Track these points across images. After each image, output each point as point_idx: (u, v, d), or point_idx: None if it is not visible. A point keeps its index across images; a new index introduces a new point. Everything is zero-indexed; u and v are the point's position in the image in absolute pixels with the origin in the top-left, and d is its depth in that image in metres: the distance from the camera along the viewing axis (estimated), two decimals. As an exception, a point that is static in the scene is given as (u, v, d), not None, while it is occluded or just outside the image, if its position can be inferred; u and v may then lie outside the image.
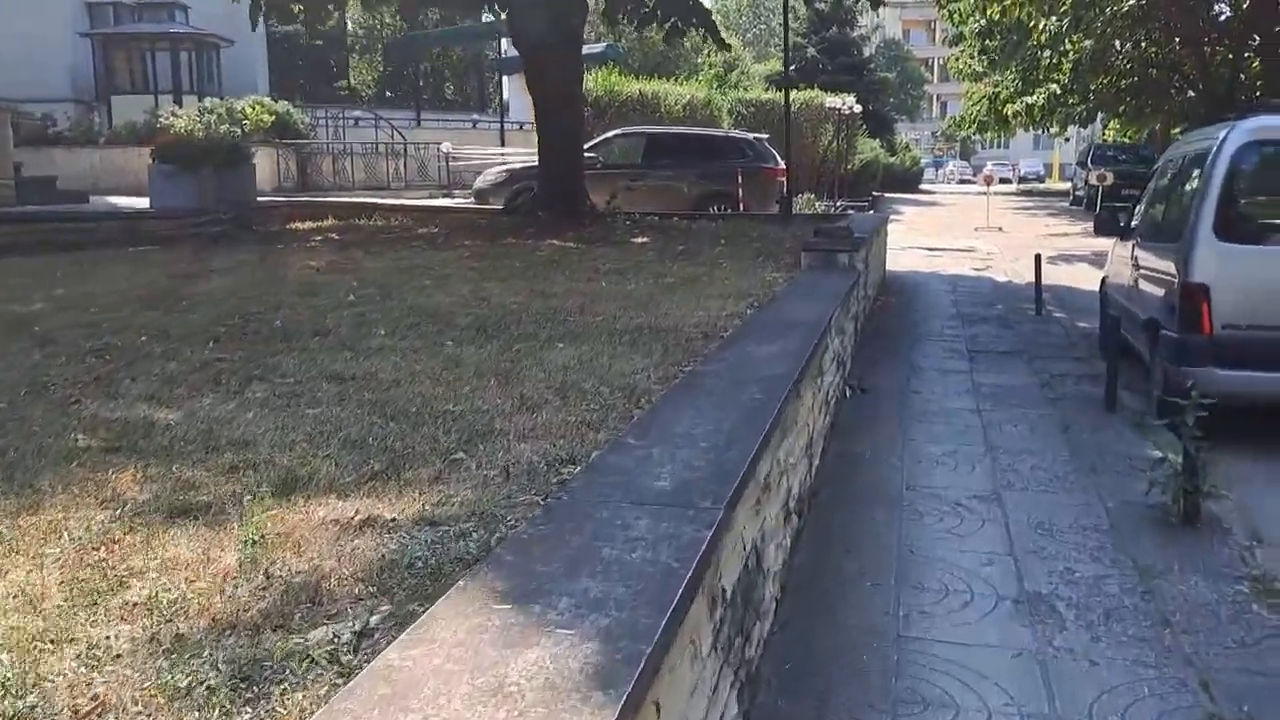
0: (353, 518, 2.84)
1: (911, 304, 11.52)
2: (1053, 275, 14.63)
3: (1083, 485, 5.30)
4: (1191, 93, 39.02)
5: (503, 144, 27.55)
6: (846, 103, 25.85)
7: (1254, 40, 33.78)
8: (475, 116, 29.49)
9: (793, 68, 40.15)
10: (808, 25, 40.24)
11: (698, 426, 3.12)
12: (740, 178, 16.67)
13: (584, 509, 2.36)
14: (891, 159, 41.54)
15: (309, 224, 12.97)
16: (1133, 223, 8.80)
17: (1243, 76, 38.22)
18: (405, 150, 23.96)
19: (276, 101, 23.34)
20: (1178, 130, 48.75)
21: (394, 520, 2.79)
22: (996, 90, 37.05)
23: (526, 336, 5.44)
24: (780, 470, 3.68)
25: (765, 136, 19.61)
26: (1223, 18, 35.34)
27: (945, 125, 73.00)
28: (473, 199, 17.98)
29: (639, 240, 11.05)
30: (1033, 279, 14.05)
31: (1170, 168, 7.80)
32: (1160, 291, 6.97)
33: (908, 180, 42.86)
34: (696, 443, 2.94)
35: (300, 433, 3.73)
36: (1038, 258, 11.18)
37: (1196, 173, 6.90)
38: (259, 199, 16.06)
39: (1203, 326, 6.31)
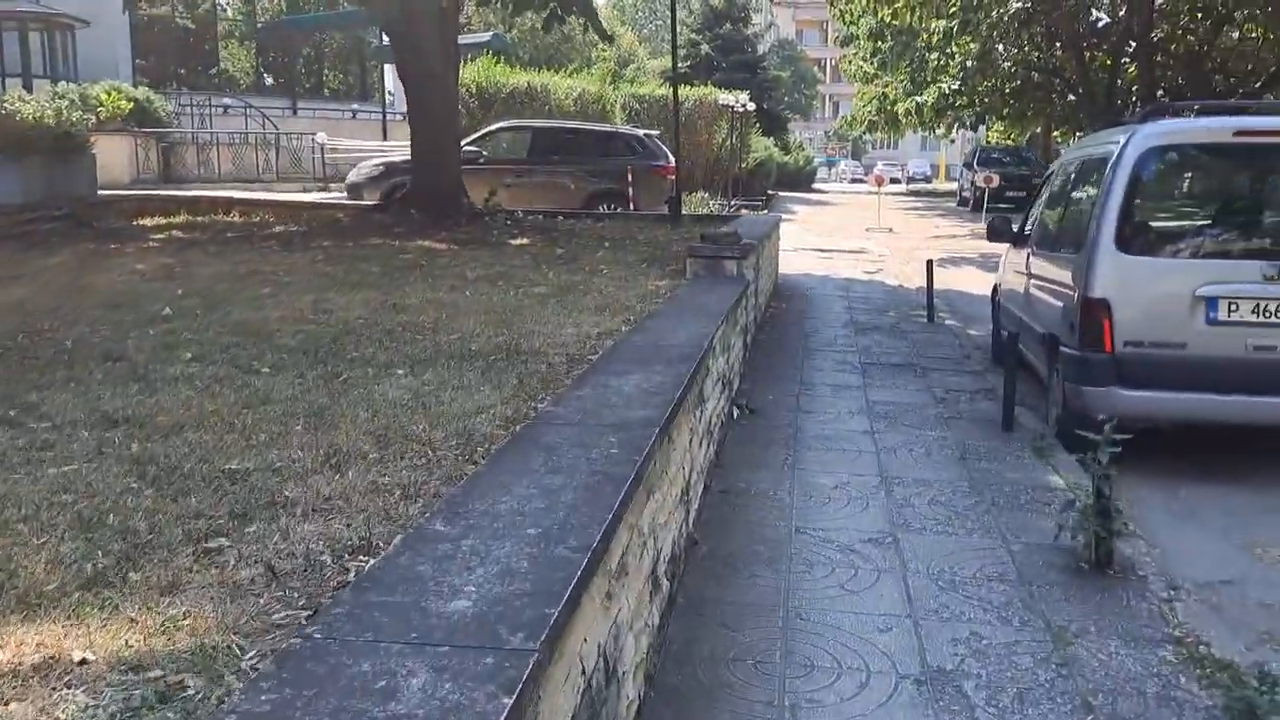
0: (21, 662, 2.03)
1: (805, 311, 11.07)
2: (943, 279, 14.43)
3: (985, 524, 4.82)
4: (1072, 96, 40.06)
5: (385, 136, 26.42)
6: (740, 100, 25.51)
7: (1130, 46, 34.76)
8: (355, 106, 28.21)
9: (687, 64, 39.81)
10: (701, 21, 39.94)
11: (531, 501, 2.46)
12: (631, 176, 16.07)
13: (335, 658, 1.68)
14: (785, 158, 41.56)
15: (157, 220, 11.87)
16: (1026, 229, 8.48)
17: (1120, 81, 39.43)
18: (277, 141, 22.68)
19: (137, 88, 21.81)
20: (1058, 133, 50.21)
21: (83, 663, 2.02)
22: (886, 91, 37.39)
23: (361, 362, 4.70)
24: (643, 540, 3.05)
25: (657, 133, 19.07)
26: (1101, 24, 36.32)
27: (837, 125, 73.96)
28: (346, 194, 16.99)
29: (517, 242, 10.34)
30: (923, 284, 13.83)
31: (1066, 172, 7.46)
32: (1058, 304, 6.60)
33: (801, 179, 42.97)
34: (524, 528, 2.28)
35: (25, 505, 2.93)
36: (929, 264, 10.86)
37: (1096, 179, 6.54)
38: (105, 192, 14.78)
39: (1104, 344, 5.93)
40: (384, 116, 26.41)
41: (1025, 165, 32.45)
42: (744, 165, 28.49)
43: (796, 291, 12.60)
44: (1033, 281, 7.45)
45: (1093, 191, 6.51)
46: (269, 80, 30.08)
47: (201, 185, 20.63)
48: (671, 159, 17.15)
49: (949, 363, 8.67)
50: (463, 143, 16.96)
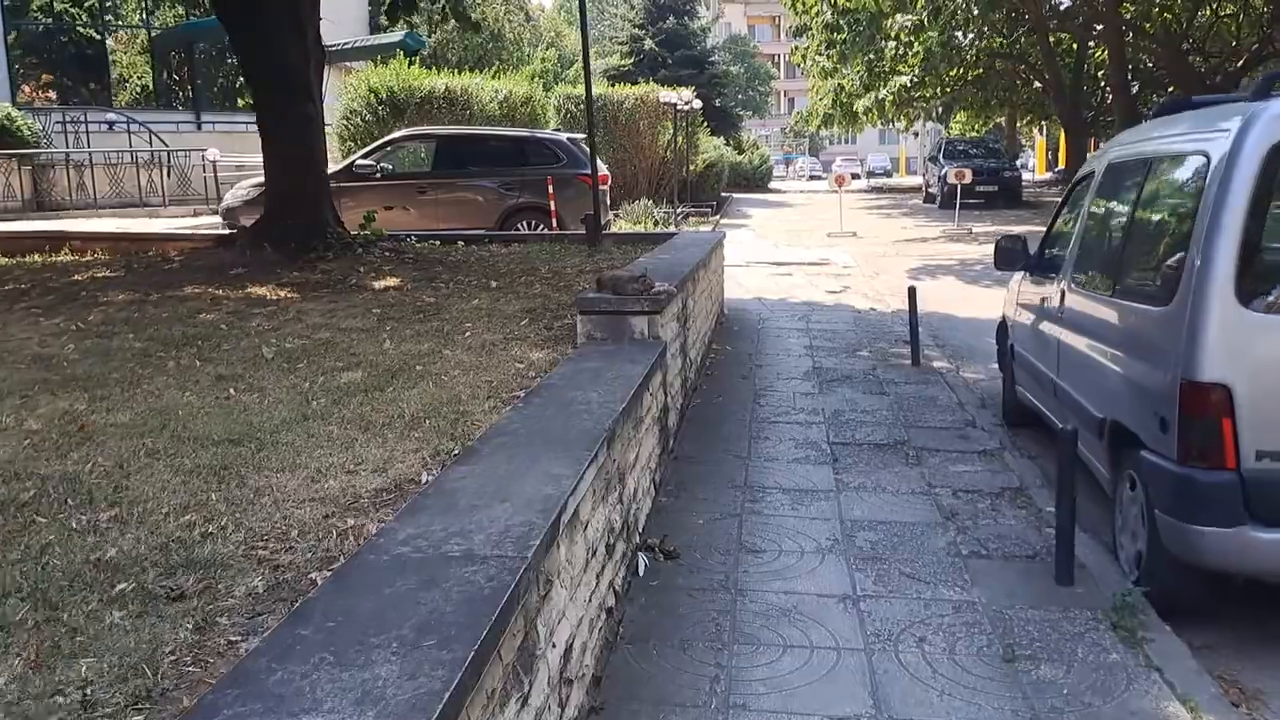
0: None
1: (755, 355, 8.77)
2: (920, 296, 12.22)
3: None
4: (1038, 83, 38.20)
5: (295, 150, 23.84)
6: (683, 97, 23.23)
7: (1098, 28, 32.88)
8: (260, 118, 25.62)
9: (631, 61, 37.60)
10: (644, 15, 37.65)
11: None
12: (552, 187, 13.72)
13: None
14: (739, 158, 39.39)
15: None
16: (1050, 251, 6.23)
17: (1086, 66, 37.60)
18: (167, 160, 20.10)
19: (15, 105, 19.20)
20: (1023, 123, 48.41)
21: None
22: (842, 84, 35.32)
23: None
24: None
25: (583, 136, 16.73)
26: (1064, 5, 34.43)
27: (793, 121, 72.03)
28: (222, 220, 14.53)
29: (382, 284, 7.97)
30: (898, 305, 11.57)
31: (1116, 178, 5.18)
32: (1127, 378, 4.34)
33: (756, 179, 40.83)
34: None
35: None
36: (911, 292, 8.58)
37: (1182, 190, 4.27)
38: None
39: (1223, 455, 3.67)
40: (293, 128, 23.83)
41: (994, 157, 30.44)
42: (692, 168, 26.23)
43: (747, 324, 10.30)
44: (1072, 333, 5.19)
45: (1179, 209, 4.24)
46: (178, 93, 27.39)
47: (74, 214, 18.07)
48: (600, 165, 14.82)
49: (949, 435, 6.39)
50: (356, 157, 14.58)
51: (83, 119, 20.34)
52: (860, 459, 5.90)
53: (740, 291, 12.50)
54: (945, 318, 10.98)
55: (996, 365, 7.85)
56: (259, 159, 20.02)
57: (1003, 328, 7.31)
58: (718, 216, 25.17)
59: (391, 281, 8.14)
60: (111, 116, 21.24)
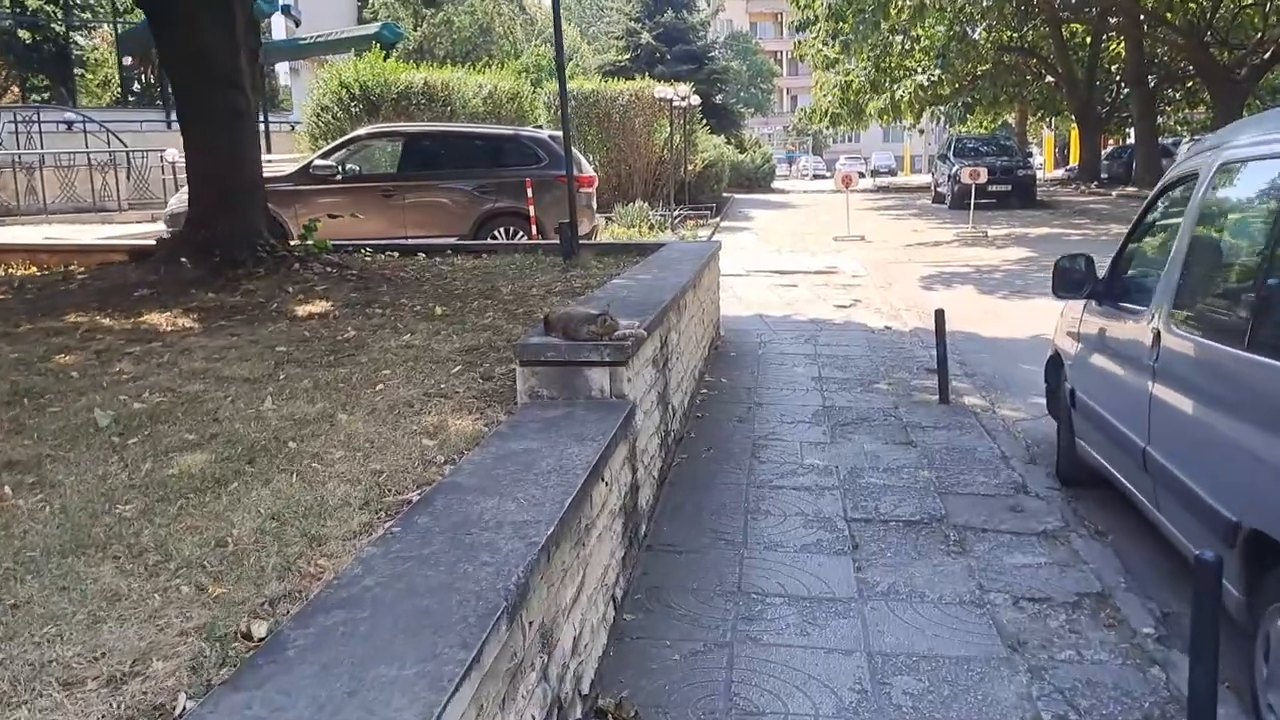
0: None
1: (754, 391, 7.43)
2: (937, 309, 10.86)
3: None
4: (1050, 78, 36.84)
5: (268, 148, 22.60)
6: (680, 93, 21.90)
7: (1114, 19, 31.52)
8: (232, 117, 24.29)
9: (628, 56, 36.26)
10: (641, 9, 36.28)
11: None
12: (531, 191, 12.40)
13: None
14: (741, 156, 38.07)
15: None
16: (1126, 275, 4.91)
17: (1101, 60, 36.22)
18: (127, 161, 18.79)
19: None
20: (1035, 118, 47.02)
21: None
22: (849, 79, 33.99)
23: None
24: None
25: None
26: (1078, -2, 33.07)
27: (796, 119, 70.57)
28: (166, 226, 13.21)
29: (306, 310, 6.66)
30: (916, 323, 10.24)
31: (1241, 186, 3.84)
32: (1278, 469, 3.01)
33: (759, 179, 39.49)
34: None
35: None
36: (939, 319, 7.23)
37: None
38: None
39: None
40: (266, 126, 22.53)
41: (1006, 155, 29.07)
42: (691, 168, 24.90)
43: (746, 349, 8.97)
44: (1175, 390, 3.86)
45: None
46: (142, 92, 26.09)
47: (21, 220, 16.78)
48: (586, 165, 13.53)
49: (997, 506, 5.06)
50: (314, 157, 13.27)
51: (35, 119, 19.02)
52: (887, 544, 4.57)
53: (739, 307, 11.17)
54: (969, 338, 9.64)
55: (1038, 400, 6.58)
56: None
57: (1055, 363, 5.98)
58: (717, 219, 23.85)
59: (319, 307, 6.83)
60: (70, 115, 19.93)
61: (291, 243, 9.13)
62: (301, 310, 6.73)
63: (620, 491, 3.90)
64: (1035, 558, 4.43)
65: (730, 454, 5.93)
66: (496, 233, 12.71)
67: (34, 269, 9.64)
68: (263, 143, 22.04)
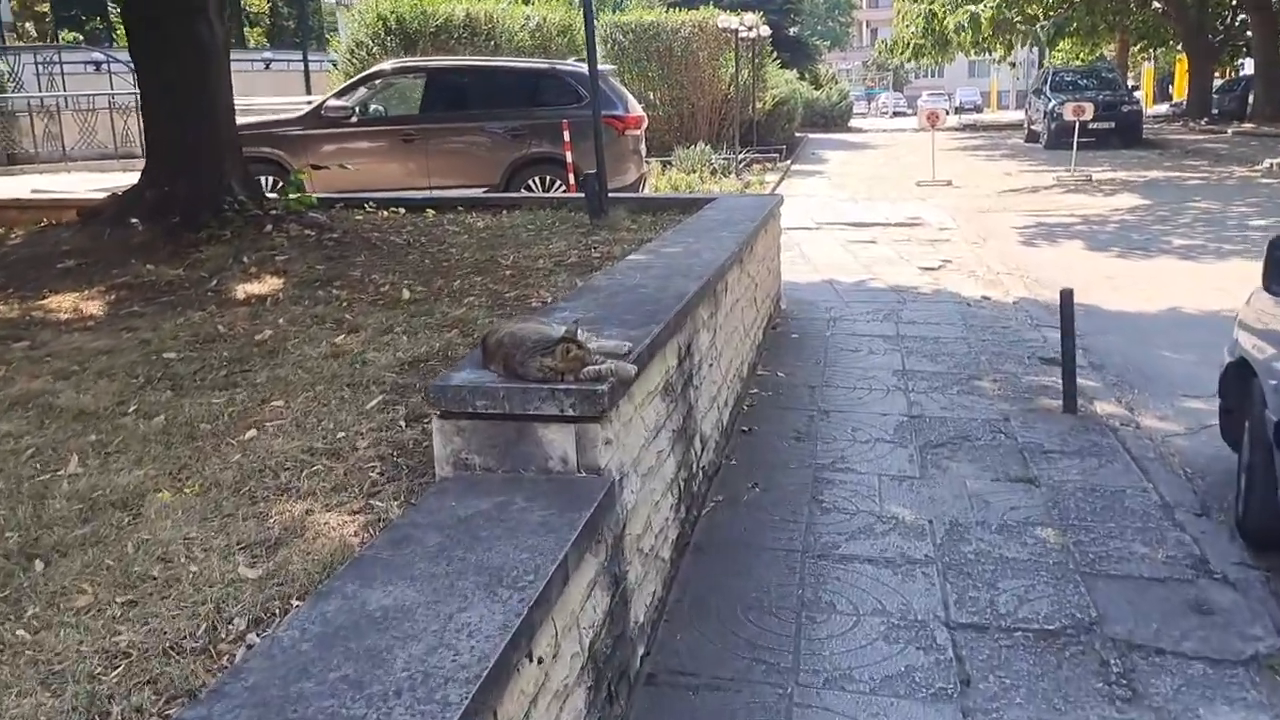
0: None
1: (818, 391, 5.83)
2: (1045, 273, 9.12)
3: None
4: (1157, 3, 33.72)
5: (308, 90, 21.33)
6: (747, 23, 19.95)
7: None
8: (268, 55, 22.87)
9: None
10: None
11: None
12: (568, 134, 10.80)
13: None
14: (815, 93, 35.79)
15: None
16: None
17: (1216, -17, 32.95)
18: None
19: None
20: (1136, 49, 43.62)
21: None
22: (933, 8, 31.47)
23: None
24: None
25: (613, 68, 13.79)
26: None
27: (876, 52, 67.24)
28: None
29: (250, 290, 5.27)
30: (1020, 290, 8.50)
31: None
32: None
33: (834, 118, 37.17)
34: None
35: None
36: (1066, 300, 5.50)
37: None
38: None
39: None
40: (305, 66, 21.24)
41: (1109, 89, 26.44)
42: (760, 105, 22.98)
43: (811, 328, 7.34)
44: None
45: None
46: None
47: (41, 168, 15.73)
48: (633, 105, 11.86)
49: (1172, 604, 3.44)
50: (327, 97, 11.81)
51: (57, 59, 17.91)
52: (1014, 681, 3.00)
53: (805, 271, 9.51)
54: (1087, 312, 7.84)
55: (1192, 405, 5.03)
56: (264, 100, 17.28)
57: (1237, 377, 4.28)
58: (787, 162, 21.95)
59: (266, 286, 5.41)
60: (97, 56, 18.78)
61: (273, 197, 7.71)
62: (242, 291, 5.32)
63: (582, 642, 2.38)
64: (1250, 714, 2.83)
65: (783, 495, 4.37)
66: (531, 182, 11.20)
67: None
68: (304, 83, 20.68)
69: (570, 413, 2.53)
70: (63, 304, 5.15)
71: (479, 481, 2.55)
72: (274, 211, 7.29)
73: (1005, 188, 17.28)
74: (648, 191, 12.86)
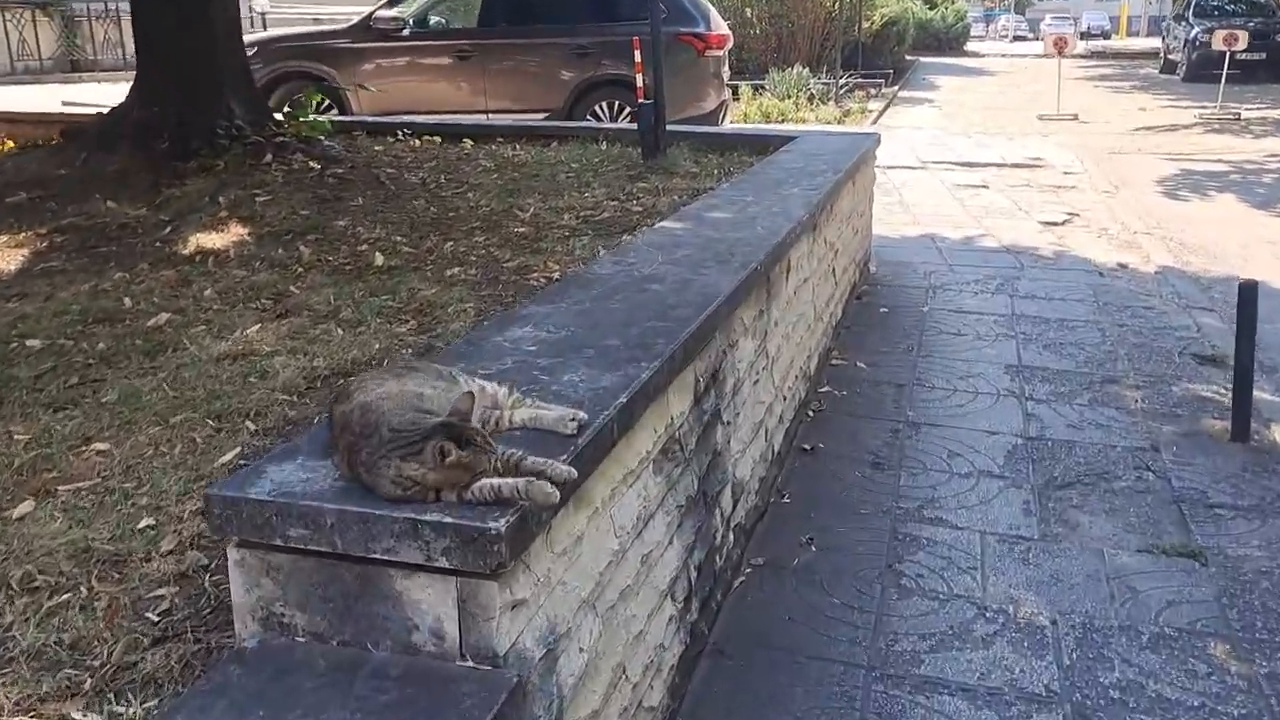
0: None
1: (904, 395, 4.60)
2: (1192, 233, 7.58)
3: None
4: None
5: None
6: (857, -69, 18.11)
7: None
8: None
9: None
10: None
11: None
12: (639, 53, 9.49)
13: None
14: (929, 13, 33.35)
15: None
16: None
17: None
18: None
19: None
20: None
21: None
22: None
23: None
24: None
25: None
26: None
27: (997, -29, 63.05)
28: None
29: (206, 240, 4.29)
30: (1163, 257, 7.07)
31: None
32: None
33: (949, 41, 34.68)
34: None
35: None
36: (1247, 297, 4.14)
37: None
38: None
39: None
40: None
41: (1262, 15, 23.71)
42: (866, 25, 21.13)
43: (902, 303, 6.05)
44: None
45: None
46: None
47: (100, 76, 15.06)
48: (717, 21, 10.47)
49: None
50: (377, 8, 10.69)
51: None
52: None
53: (904, 221, 8.17)
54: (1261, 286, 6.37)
55: None
56: (342, 9, 16.14)
57: None
58: (894, 89, 20.15)
59: (227, 237, 4.42)
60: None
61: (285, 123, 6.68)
62: (194, 243, 4.33)
63: None
64: None
65: (847, 560, 3.22)
66: (598, 108, 9.99)
67: (9, 141, 7.58)
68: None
69: (443, 562, 1.43)
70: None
71: (292, 666, 1.47)
72: (280, 139, 6.26)
73: (1139, 125, 15.36)
74: (730, 122, 11.52)
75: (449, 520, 1.41)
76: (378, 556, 1.46)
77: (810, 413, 4.30)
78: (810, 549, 3.29)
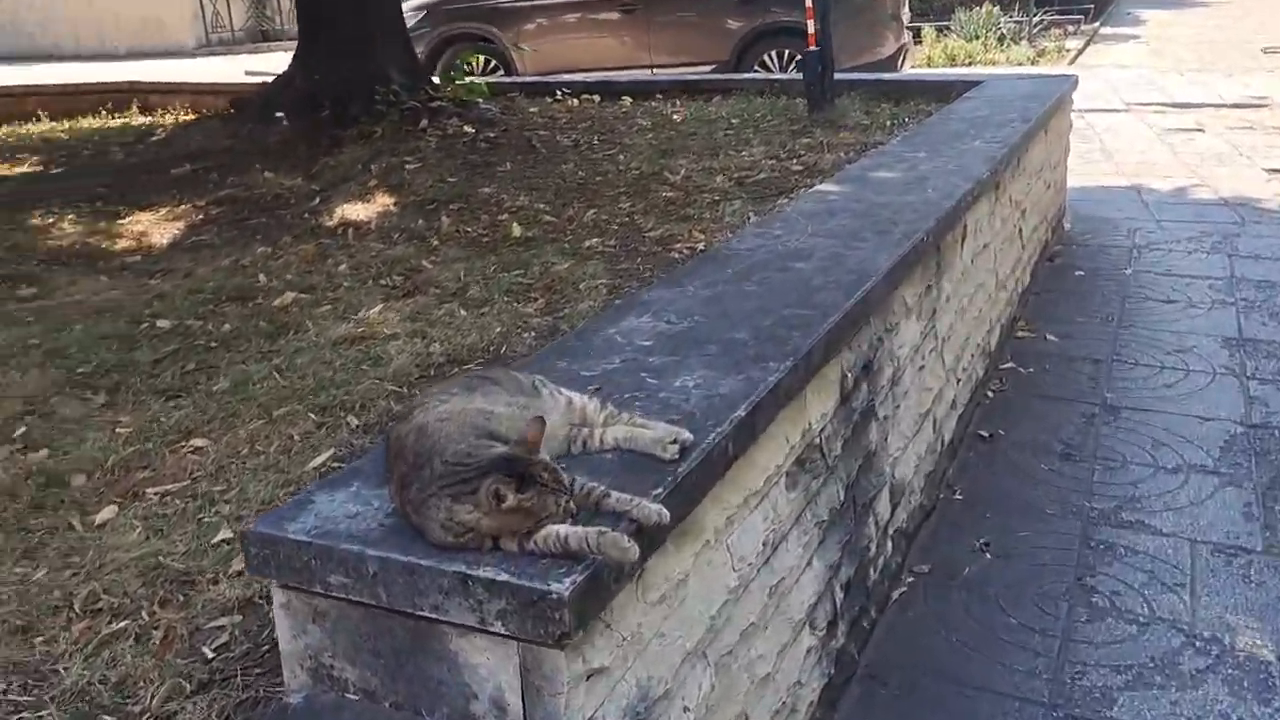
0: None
1: (1101, 372, 4.05)
2: None
3: None
4: None
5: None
6: None
7: None
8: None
9: None
10: None
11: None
12: (811, -2, 8.96)
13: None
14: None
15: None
16: None
17: None
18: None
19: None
20: None
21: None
22: None
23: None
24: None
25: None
26: None
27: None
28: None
29: (351, 212, 4.21)
30: None
31: None
32: None
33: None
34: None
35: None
36: None
37: None
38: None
39: None
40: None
41: None
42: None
43: (1101, 265, 5.40)
44: None
45: None
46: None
47: (285, 43, 15.61)
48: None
49: None
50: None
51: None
52: None
53: (1105, 170, 7.40)
54: None
55: None
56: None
57: None
58: (1095, 24, 18.58)
59: (373, 207, 4.37)
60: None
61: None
62: (340, 215, 4.27)
63: None
64: None
65: (1026, 571, 2.80)
66: (767, 58, 9.52)
67: (192, 113, 7.85)
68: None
69: (498, 628, 1.17)
70: (138, 225, 4.29)
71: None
72: (436, 104, 6.17)
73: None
74: (910, 68, 10.80)
75: (504, 578, 1.16)
76: (424, 614, 1.22)
77: (989, 393, 3.85)
78: (984, 556, 2.89)
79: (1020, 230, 4.30)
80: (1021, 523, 3.04)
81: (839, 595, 2.20)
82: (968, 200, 3.03)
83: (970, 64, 13.47)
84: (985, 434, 3.57)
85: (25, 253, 3.91)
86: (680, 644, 1.47)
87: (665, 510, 1.26)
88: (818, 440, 1.98)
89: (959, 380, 3.31)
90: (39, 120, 8.03)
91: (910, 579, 2.79)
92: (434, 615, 1.21)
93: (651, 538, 1.30)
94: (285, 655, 1.37)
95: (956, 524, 3.05)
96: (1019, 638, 2.55)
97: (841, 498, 2.16)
